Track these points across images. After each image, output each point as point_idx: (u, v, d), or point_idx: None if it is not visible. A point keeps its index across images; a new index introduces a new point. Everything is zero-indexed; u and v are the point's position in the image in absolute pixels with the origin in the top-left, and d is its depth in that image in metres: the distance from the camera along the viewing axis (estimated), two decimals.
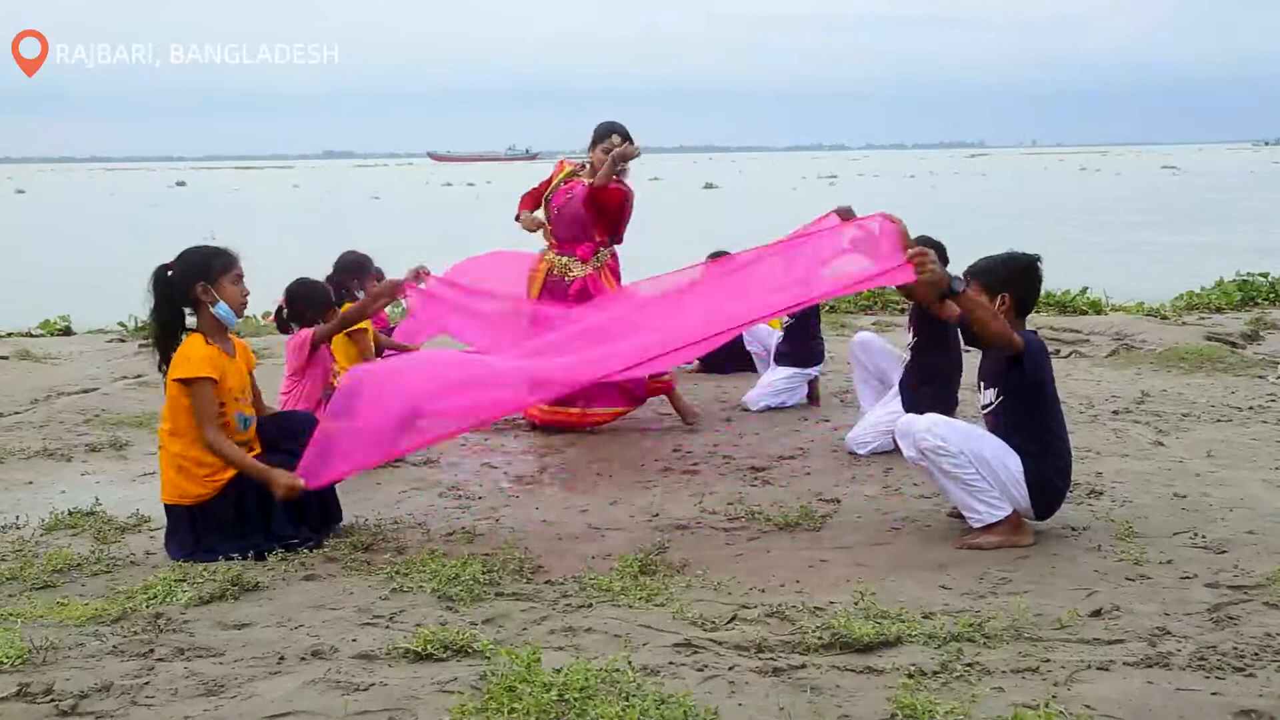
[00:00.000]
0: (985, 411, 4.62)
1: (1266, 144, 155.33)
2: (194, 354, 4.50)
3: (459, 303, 6.39)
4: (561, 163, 7.32)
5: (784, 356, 7.41)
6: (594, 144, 6.87)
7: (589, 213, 6.82)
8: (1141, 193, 48.07)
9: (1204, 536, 4.53)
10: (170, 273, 4.61)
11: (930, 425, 4.44)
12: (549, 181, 7.16)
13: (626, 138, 6.82)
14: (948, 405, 5.50)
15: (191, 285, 4.57)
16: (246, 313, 5.21)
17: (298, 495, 4.49)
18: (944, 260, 6.01)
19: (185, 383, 4.47)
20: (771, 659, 3.42)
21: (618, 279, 6.93)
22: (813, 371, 7.42)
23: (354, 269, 6.89)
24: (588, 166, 6.98)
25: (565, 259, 6.88)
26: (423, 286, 5.81)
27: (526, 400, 5.69)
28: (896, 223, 4.69)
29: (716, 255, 7.29)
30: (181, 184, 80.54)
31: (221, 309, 4.58)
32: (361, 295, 6.78)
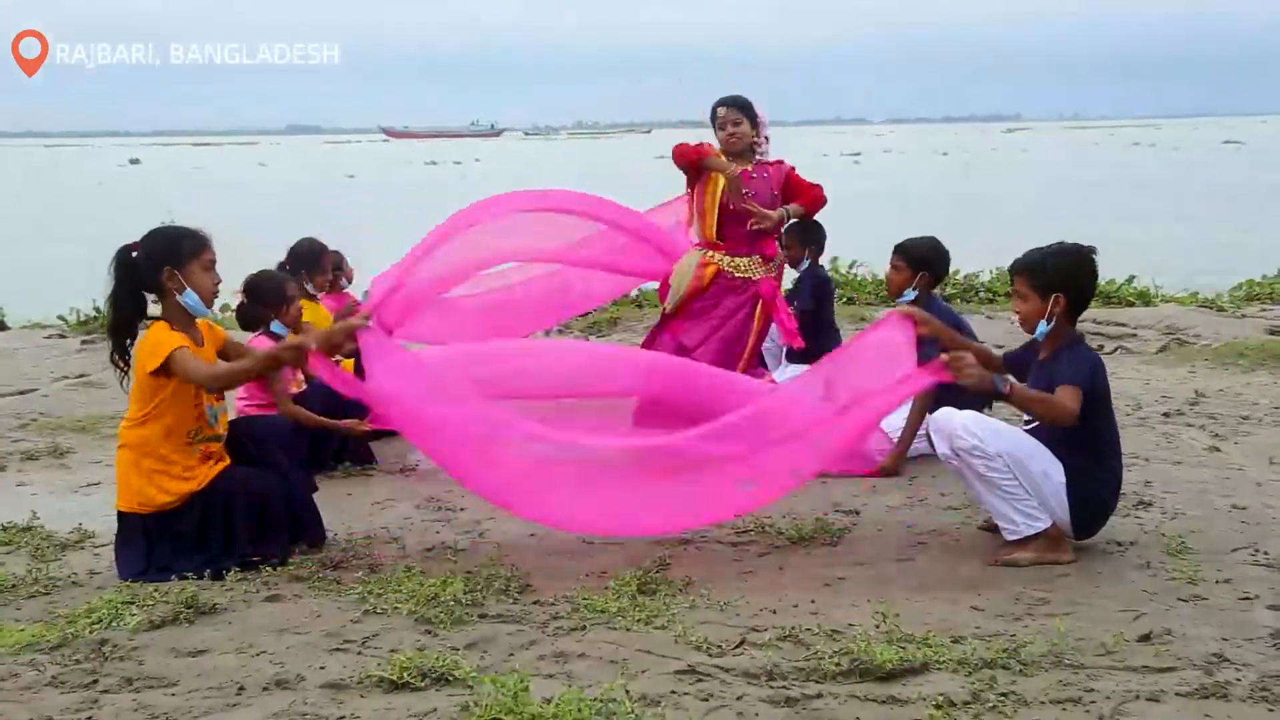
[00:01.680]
0: (1028, 426, 4.60)
1: None
2: (161, 339, 4.44)
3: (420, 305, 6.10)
4: (709, 145, 6.77)
5: (796, 353, 7.39)
6: (712, 122, 6.72)
7: (783, 201, 6.60)
8: (1200, 170, 47.95)
9: (1266, 553, 4.53)
10: (135, 254, 4.58)
11: (969, 422, 4.45)
12: (697, 159, 6.63)
13: (737, 107, 6.62)
14: (979, 402, 5.48)
15: (158, 270, 4.54)
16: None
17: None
18: (946, 269, 6.07)
19: (160, 372, 4.41)
20: (784, 688, 3.43)
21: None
22: None
23: (308, 258, 6.84)
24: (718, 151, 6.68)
25: (745, 259, 6.54)
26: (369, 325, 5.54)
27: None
28: (910, 317, 4.81)
29: None
30: (135, 161, 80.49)
31: (190, 298, 4.53)
32: (310, 288, 6.78)
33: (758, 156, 6.69)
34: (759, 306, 6.56)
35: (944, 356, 4.35)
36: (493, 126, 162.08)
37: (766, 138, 6.75)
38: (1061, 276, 4.53)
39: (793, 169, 6.79)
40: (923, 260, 6.01)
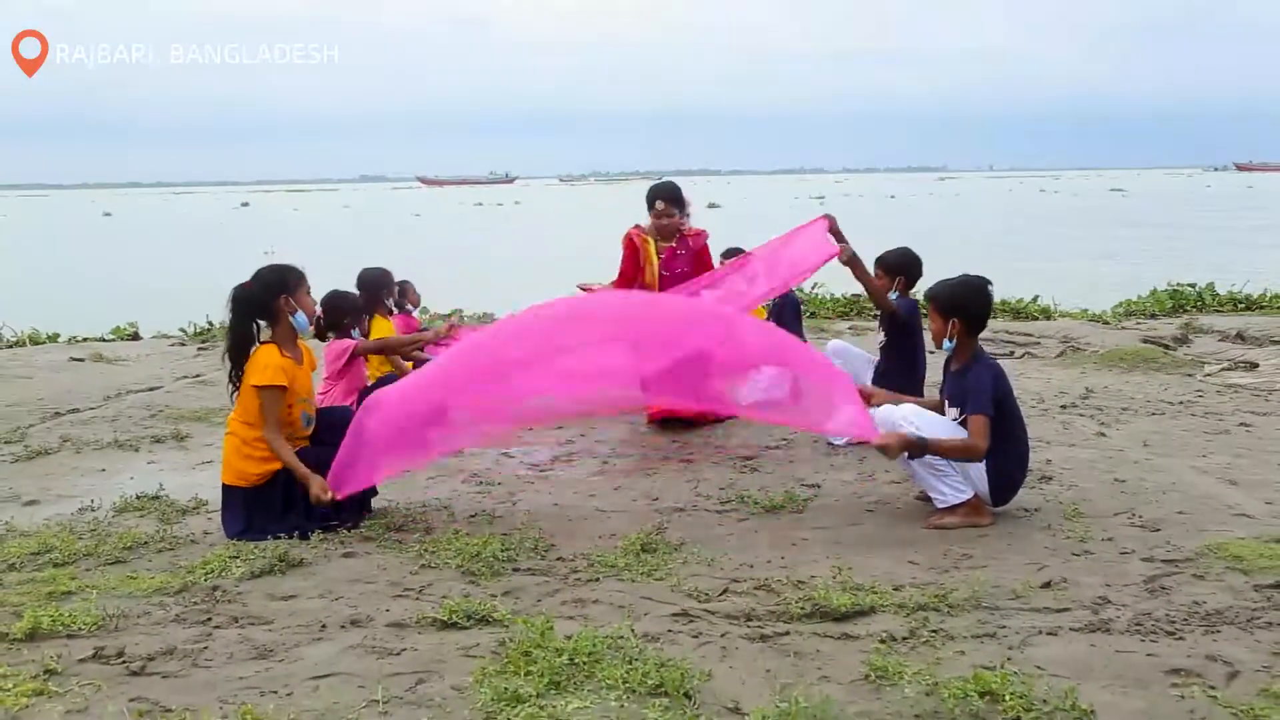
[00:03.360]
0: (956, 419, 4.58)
1: (1215, 169, 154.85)
2: (270, 362, 4.48)
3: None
4: (634, 235, 6.72)
5: None
6: (649, 207, 6.68)
7: (696, 269, 6.62)
8: (1093, 213, 48.09)
9: (1140, 516, 4.52)
10: (252, 290, 4.59)
11: (907, 414, 4.43)
12: (635, 253, 6.68)
13: (669, 199, 6.61)
14: (913, 393, 5.48)
15: (275, 298, 4.57)
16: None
17: (328, 501, 4.46)
18: (918, 276, 6.01)
19: (261, 388, 4.46)
20: (759, 627, 3.42)
21: None
22: None
23: (376, 284, 6.79)
24: (649, 228, 6.69)
25: None
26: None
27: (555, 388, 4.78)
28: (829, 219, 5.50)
29: (731, 252, 7.33)
30: (245, 205, 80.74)
31: (300, 318, 4.60)
32: (391, 305, 6.76)
33: (680, 231, 6.68)
34: None
35: (875, 442, 4.31)
36: (507, 175, 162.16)
37: (688, 215, 6.77)
38: (959, 304, 4.50)
39: (706, 243, 6.78)
40: (899, 267, 5.98)
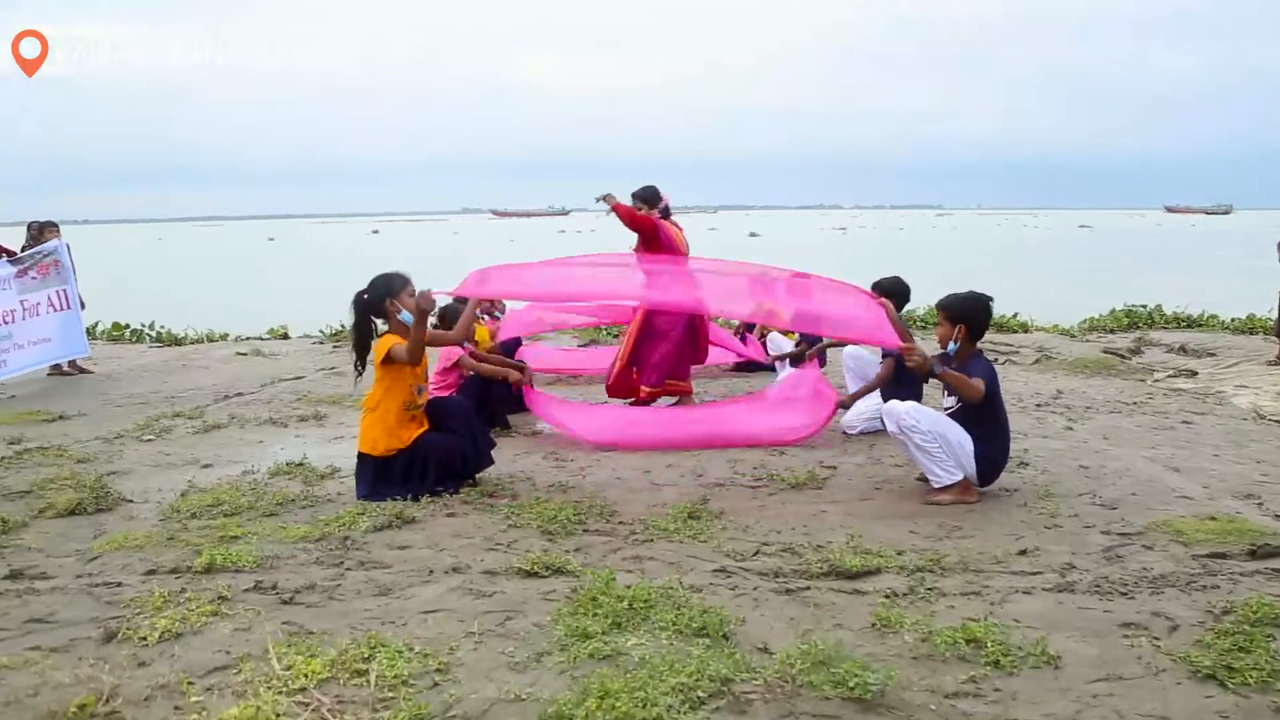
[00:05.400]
0: (948, 411, 4.48)
1: (1168, 210, 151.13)
2: (388, 341, 4.49)
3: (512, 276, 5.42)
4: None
5: (797, 359, 7.31)
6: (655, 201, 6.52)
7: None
8: (1062, 245, 47.05)
9: (1100, 497, 4.41)
10: (366, 296, 4.63)
11: (909, 409, 4.37)
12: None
13: (641, 198, 6.46)
14: (915, 398, 5.36)
15: (382, 301, 4.59)
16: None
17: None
18: (907, 298, 5.81)
19: (388, 360, 4.44)
20: (785, 582, 3.38)
21: None
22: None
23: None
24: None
25: None
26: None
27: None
28: (885, 305, 4.93)
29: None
30: (376, 232, 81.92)
31: (405, 316, 4.55)
32: (486, 319, 6.79)
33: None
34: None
35: (900, 348, 4.37)
36: (564, 209, 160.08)
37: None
38: (965, 313, 4.42)
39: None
40: (890, 293, 5.55)
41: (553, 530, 3.99)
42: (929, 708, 2.48)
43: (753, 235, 56.18)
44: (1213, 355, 8.98)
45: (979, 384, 4.21)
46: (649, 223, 6.40)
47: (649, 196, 6.47)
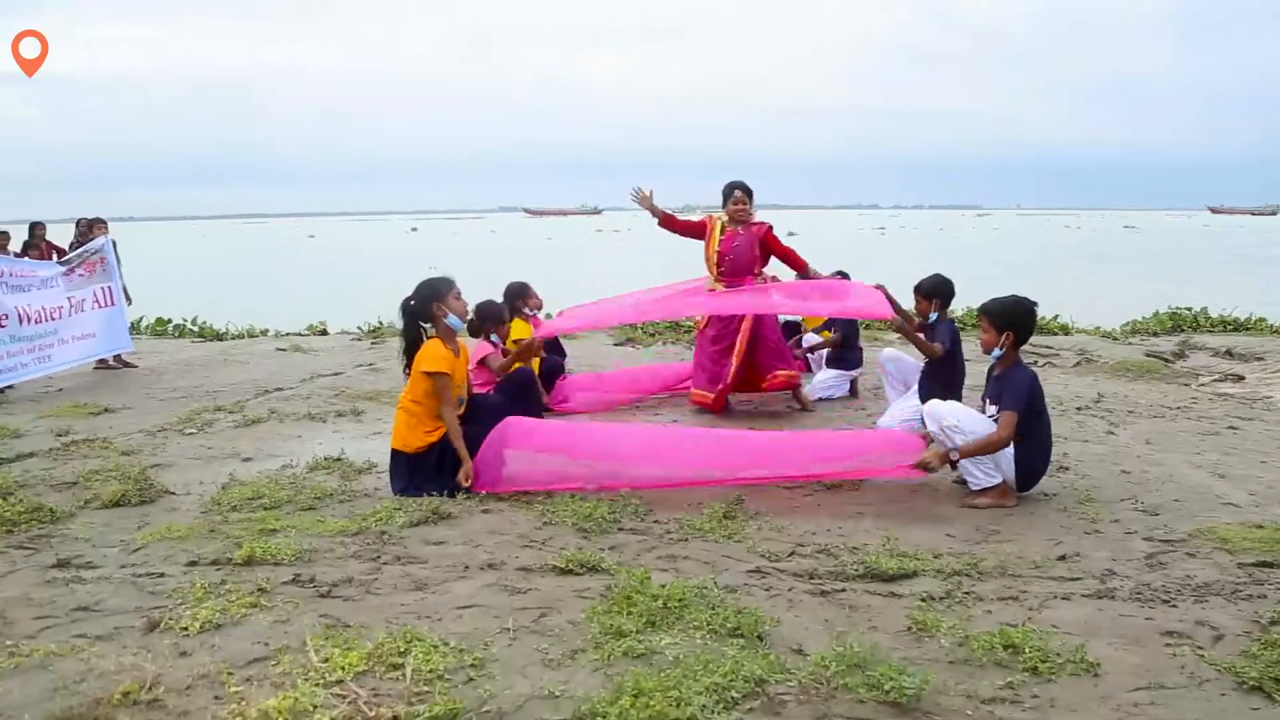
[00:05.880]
0: (992, 416, 4.43)
1: (1211, 211, 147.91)
2: (437, 354, 4.51)
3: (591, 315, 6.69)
4: (710, 217, 6.63)
5: (833, 361, 7.29)
6: (724, 201, 6.56)
7: (756, 252, 6.45)
8: (1109, 245, 46.25)
9: (1142, 503, 4.33)
10: (413, 302, 4.66)
11: (952, 409, 4.34)
12: (704, 228, 6.57)
13: (744, 190, 6.52)
14: (956, 399, 5.28)
15: (429, 305, 4.63)
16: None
17: (466, 485, 4.48)
18: (952, 295, 5.70)
19: (431, 374, 4.49)
20: (820, 584, 3.36)
21: None
22: (854, 373, 7.26)
23: (518, 293, 6.88)
24: (725, 218, 6.55)
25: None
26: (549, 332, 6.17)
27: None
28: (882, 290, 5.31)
29: (839, 275, 7.04)
30: (414, 230, 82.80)
31: (451, 319, 4.61)
32: (528, 312, 6.82)
33: (748, 219, 6.50)
34: (746, 320, 6.42)
35: (917, 461, 4.29)
36: (596, 207, 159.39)
37: (754, 209, 6.60)
38: (1010, 320, 4.36)
39: (770, 229, 6.54)
40: (933, 292, 5.55)
41: (588, 528, 3.99)
42: (965, 713, 2.45)
43: (791, 235, 55.69)
44: (1260, 359, 8.76)
45: (1004, 430, 4.18)
46: (680, 224, 6.70)
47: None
